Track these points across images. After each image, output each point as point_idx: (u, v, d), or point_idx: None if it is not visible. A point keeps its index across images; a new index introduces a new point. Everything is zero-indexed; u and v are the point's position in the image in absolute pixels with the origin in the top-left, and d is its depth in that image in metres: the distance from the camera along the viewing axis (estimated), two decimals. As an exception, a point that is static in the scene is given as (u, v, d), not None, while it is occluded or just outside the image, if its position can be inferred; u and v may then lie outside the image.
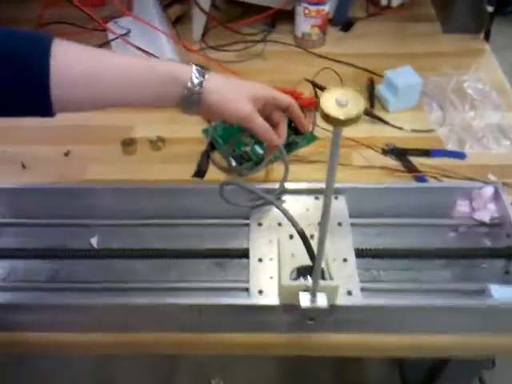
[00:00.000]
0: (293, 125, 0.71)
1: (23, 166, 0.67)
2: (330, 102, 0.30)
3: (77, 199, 0.60)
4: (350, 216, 0.57)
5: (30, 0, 0.92)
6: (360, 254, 0.54)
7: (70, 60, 0.45)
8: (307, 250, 0.46)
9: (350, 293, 0.49)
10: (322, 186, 0.59)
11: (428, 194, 0.60)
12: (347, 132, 0.69)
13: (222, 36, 0.87)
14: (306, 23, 0.83)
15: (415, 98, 0.76)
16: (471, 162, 0.68)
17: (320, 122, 0.72)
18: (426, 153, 0.69)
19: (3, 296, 0.51)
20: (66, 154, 0.69)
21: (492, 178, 0.64)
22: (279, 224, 0.56)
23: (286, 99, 0.54)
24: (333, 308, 0.46)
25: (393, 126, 0.73)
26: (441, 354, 0.64)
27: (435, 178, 0.65)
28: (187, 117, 0.74)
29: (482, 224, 0.58)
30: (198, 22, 0.84)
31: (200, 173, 0.67)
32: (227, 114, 0.50)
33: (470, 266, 0.55)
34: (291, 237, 0.53)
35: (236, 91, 0.50)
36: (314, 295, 0.44)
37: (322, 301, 0.44)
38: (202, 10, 0.81)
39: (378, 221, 0.59)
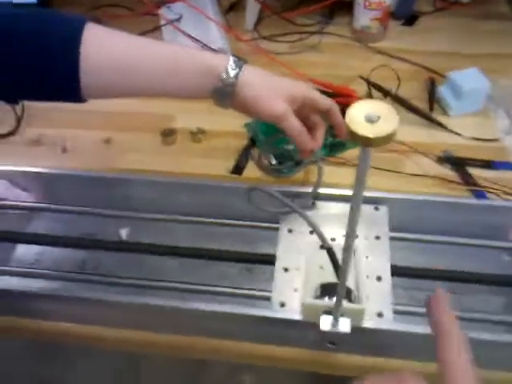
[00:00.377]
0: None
1: (63, 150, 0.67)
2: (359, 116, 0.25)
3: (111, 189, 0.59)
4: (392, 229, 0.52)
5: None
6: (398, 271, 0.49)
7: (100, 46, 0.44)
8: (334, 269, 0.42)
9: (380, 315, 0.44)
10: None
11: (484, 212, 0.54)
12: (400, 135, 0.65)
13: (275, 26, 0.83)
14: (365, 15, 0.77)
15: (480, 102, 0.69)
16: (539, 178, 0.61)
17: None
18: (488, 164, 0.62)
19: (29, 283, 0.51)
20: (107, 142, 0.68)
21: (561, 198, 0.57)
22: (311, 232, 0.52)
23: (326, 102, 0.50)
24: (358, 331, 0.42)
25: (452, 131, 0.67)
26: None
27: (495, 193, 0.59)
28: (229, 109, 0.72)
29: (544, 251, 0.51)
30: (252, 10, 0.80)
31: (238, 169, 0.64)
32: (260, 110, 0.47)
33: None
34: (322, 247, 0.49)
35: (272, 87, 0.47)
36: (336, 318, 0.40)
37: (344, 325, 0.40)
38: (256, -3, 0.78)
39: (422, 237, 0.53)
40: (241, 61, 0.47)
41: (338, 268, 0.42)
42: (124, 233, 0.58)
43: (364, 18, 0.78)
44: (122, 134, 0.69)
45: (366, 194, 0.54)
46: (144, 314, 0.49)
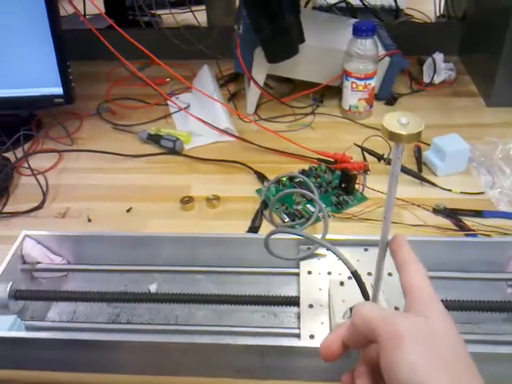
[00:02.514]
0: (343, 185, 0.74)
1: (89, 220, 0.72)
2: (393, 121, 0.33)
3: (137, 247, 0.63)
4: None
5: (103, 80, 1.06)
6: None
7: None
8: (361, 290, 0.46)
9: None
10: (371, 238, 0.60)
11: (481, 249, 0.59)
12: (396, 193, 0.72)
13: (273, 109, 0.94)
14: (353, 96, 0.88)
15: (463, 163, 0.78)
16: (525, 222, 0.68)
17: (369, 183, 0.75)
18: (478, 213, 0.69)
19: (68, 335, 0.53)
20: (128, 210, 0.74)
21: (548, 236, 0.63)
22: (329, 273, 0.56)
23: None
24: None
25: (441, 188, 0.74)
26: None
27: (489, 236, 0.65)
28: (242, 178, 0.79)
29: (541, 279, 0.56)
30: (253, 96, 0.91)
31: (254, 229, 0.69)
32: None
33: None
34: (342, 283, 0.53)
35: None
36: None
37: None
38: (257, 85, 0.88)
39: (431, 274, 0.58)
40: None
41: (364, 288, 0.46)
42: (153, 288, 0.61)
43: (352, 98, 0.89)
44: (143, 203, 0.75)
45: (374, 237, 0.59)
46: (181, 355, 0.51)
